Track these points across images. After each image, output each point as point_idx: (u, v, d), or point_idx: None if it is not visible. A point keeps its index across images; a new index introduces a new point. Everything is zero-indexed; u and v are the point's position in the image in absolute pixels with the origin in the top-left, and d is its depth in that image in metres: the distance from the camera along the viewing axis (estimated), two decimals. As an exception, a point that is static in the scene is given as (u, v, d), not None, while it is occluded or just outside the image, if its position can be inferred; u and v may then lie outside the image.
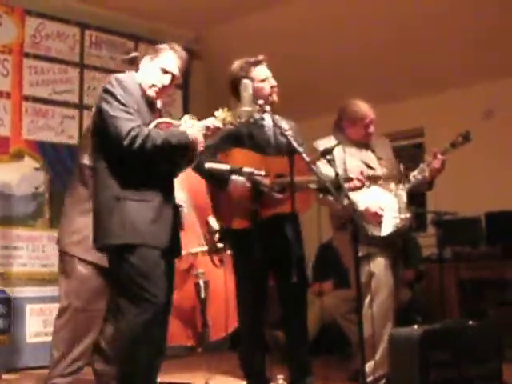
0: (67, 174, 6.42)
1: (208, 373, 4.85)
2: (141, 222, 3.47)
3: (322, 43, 7.14)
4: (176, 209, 3.71)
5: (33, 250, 6.44)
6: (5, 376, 5.71)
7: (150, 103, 3.68)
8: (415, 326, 4.02)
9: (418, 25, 6.71)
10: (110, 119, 3.45)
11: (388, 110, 7.34)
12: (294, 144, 3.71)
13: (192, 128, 3.58)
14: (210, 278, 4.91)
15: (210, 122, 3.66)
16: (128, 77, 3.63)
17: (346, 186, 4.02)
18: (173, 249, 3.64)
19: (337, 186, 3.69)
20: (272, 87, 4.32)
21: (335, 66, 7.28)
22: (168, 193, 3.63)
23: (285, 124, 4.25)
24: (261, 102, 4.01)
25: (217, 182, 4.20)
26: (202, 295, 4.79)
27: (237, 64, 4.35)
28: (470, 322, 4.23)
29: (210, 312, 4.83)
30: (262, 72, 4.31)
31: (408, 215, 4.75)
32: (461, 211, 6.18)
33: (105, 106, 3.49)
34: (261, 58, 4.36)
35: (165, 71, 3.66)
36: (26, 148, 6.48)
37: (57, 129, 6.72)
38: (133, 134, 3.38)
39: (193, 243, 4.99)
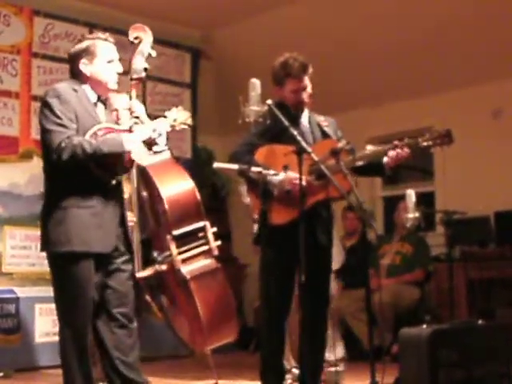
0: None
1: (216, 373, 4.83)
2: (85, 228, 3.56)
3: (331, 42, 7.13)
4: (123, 211, 3.78)
5: (41, 250, 6.45)
6: (14, 376, 5.72)
7: (103, 103, 3.78)
8: (424, 326, 4.01)
9: (428, 26, 6.69)
10: (44, 133, 3.57)
11: (397, 109, 7.35)
12: (303, 144, 3.70)
13: (133, 136, 3.64)
14: (172, 298, 4.62)
15: (157, 126, 3.72)
16: (67, 86, 3.68)
17: (391, 153, 3.98)
18: (121, 251, 3.72)
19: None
20: (300, 102, 4.22)
21: (343, 65, 7.27)
22: (111, 196, 3.69)
23: (323, 120, 4.23)
24: (269, 101, 3.97)
25: (249, 181, 4.17)
26: (159, 315, 4.70)
27: (280, 63, 4.19)
28: (479, 322, 4.22)
29: (181, 329, 4.69)
30: (295, 84, 4.18)
31: (417, 215, 4.73)
32: (470, 211, 6.16)
33: (41, 120, 3.60)
34: (298, 72, 4.15)
35: (110, 61, 3.74)
36: (34, 148, 6.49)
37: (65, 129, 6.72)
38: (62, 145, 3.46)
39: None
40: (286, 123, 3.78)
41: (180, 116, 3.82)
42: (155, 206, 4.58)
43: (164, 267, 4.47)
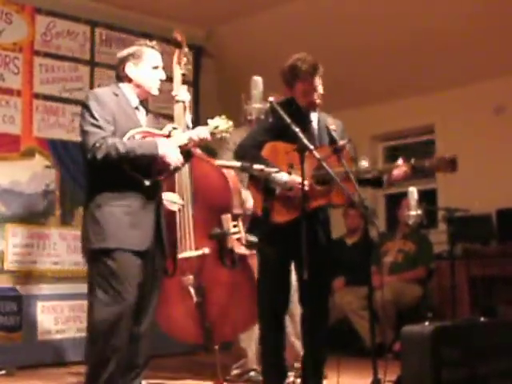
0: (78, 171, 6.43)
1: (223, 371, 4.81)
2: (119, 226, 3.64)
3: (334, 40, 7.12)
4: (160, 210, 3.85)
5: (43, 248, 6.45)
6: (16, 373, 5.72)
7: (145, 108, 3.92)
8: (426, 323, 4.01)
9: (430, 24, 6.68)
10: (81, 134, 3.69)
11: (400, 107, 7.34)
12: (305, 141, 3.68)
13: (169, 141, 3.74)
14: (212, 280, 4.67)
15: (196, 133, 3.83)
16: (106, 89, 3.85)
17: (396, 172, 4.01)
18: (155, 251, 3.80)
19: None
20: (311, 103, 4.19)
21: (346, 63, 7.26)
22: (149, 197, 3.75)
23: (331, 123, 4.23)
24: (271, 98, 3.96)
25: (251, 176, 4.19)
26: (195, 300, 4.66)
27: (288, 66, 4.17)
28: (482, 319, 4.22)
29: (213, 314, 4.67)
30: (304, 86, 4.15)
31: (419, 212, 4.72)
32: (472, 208, 6.16)
33: (80, 122, 3.73)
34: (307, 74, 4.14)
35: (155, 67, 3.91)
36: (36, 146, 6.48)
37: (67, 126, 6.71)
38: (97, 145, 3.56)
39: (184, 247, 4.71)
40: (288, 120, 3.76)
41: (222, 124, 3.89)
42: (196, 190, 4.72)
43: (207, 250, 4.60)
